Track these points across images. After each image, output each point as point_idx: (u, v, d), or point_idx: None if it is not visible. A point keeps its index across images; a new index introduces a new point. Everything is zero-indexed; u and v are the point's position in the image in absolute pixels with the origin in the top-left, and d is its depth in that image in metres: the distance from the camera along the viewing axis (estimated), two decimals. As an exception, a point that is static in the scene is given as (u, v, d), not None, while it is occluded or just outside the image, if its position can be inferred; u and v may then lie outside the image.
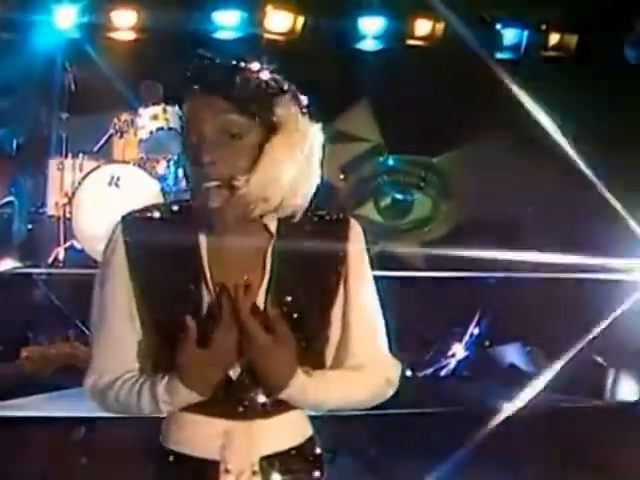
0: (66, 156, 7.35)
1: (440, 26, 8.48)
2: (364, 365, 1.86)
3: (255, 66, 1.77)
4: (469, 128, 8.06)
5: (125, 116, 7.57)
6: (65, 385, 4.25)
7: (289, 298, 1.79)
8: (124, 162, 7.40)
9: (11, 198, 7.40)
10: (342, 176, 8.81)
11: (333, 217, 1.87)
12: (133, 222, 1.83)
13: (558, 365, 5.97)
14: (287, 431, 1.85)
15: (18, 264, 6.87)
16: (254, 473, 1.81)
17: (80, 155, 7.35)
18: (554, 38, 8.75)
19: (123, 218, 1.84)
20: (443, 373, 5.70)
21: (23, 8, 7.65)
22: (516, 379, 5.84)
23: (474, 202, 8.64)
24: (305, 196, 1.81)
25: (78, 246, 7.06)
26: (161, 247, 1.80)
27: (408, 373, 5.14)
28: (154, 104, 7.42)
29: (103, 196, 6.99)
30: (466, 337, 6.02)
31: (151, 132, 7.32)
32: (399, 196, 8.90)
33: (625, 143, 7.85)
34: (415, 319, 5.44)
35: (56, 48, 7.51)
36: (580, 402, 5.40)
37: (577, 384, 5.55)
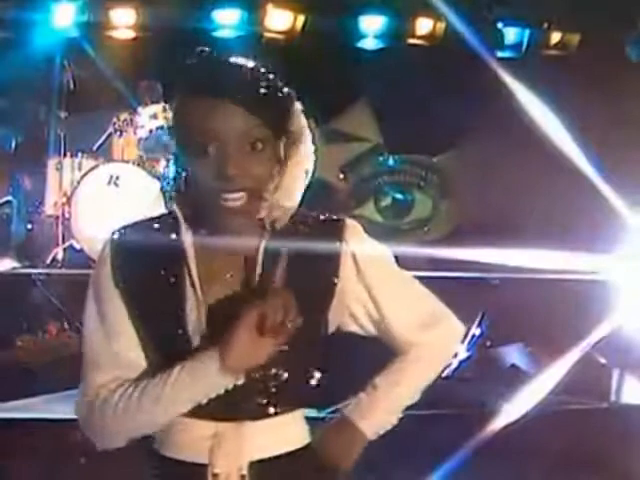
0: (65, 155, 7.34)
1: (441, 25, 8.47)
2: (417, 343, 1.88)
3: (264, 68, 1.72)
4: (469, 127, 8.05)
5: (124, 115, 7.56)
6: (66, 386, 4.23)
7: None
8: (123, 161, 7.38)
9: (9, 198, 7.39)
10: (342, 176, 8.80)
11: (327, 218, 1.83)
12: (120, 238, 1.78)
13: (559, 366, 5.96)
14: (280, 435, 1.79)
15: (17, 264, 6.86)
16: (242, 478, 1.75)
17: (79, 154, 7.34)
18: (556, 37, 8.73)
19: (111, 234, 1.79)
20: (444, 374, 5.68)
21: (21, 7, 7.64)
22: (517, 380, 5.82)
23: (474, 202, 8.62)
24: (298, 197, 1.78)
25: (77, 246, 7.04)
26: (148, 257, 1.76)
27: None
28: (153, 103, 7.41)
29: (102, 195, 6.98)
30: (467, 338, 5.99)
31: (151, 131, 7.31)
32: (399, 196, 8.89)
33: (625, 141, 7.83)
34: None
35: (55, 47, 7.49)
36: (582, 404, 5.37)
37: (579, 385, 5.52)
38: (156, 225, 1.80)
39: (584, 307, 6.00)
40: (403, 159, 8.92)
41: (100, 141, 7.68)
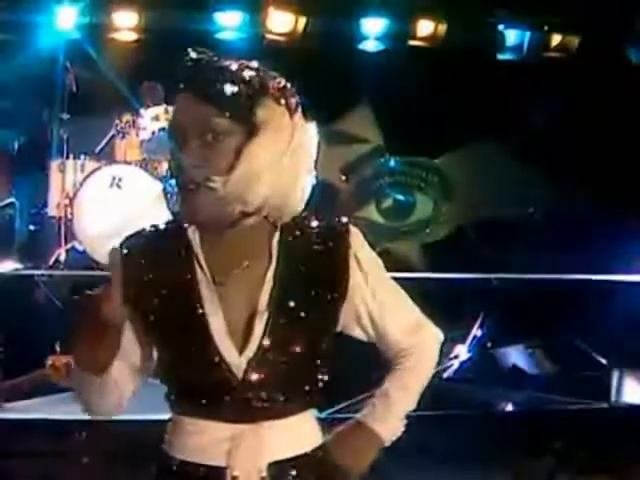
0: (67, 157, 7.34)
1: (442, 27, 8.48)
2: (409, 348, 1.91)
3: (236, 65, 1.73)
4: (470, 129, 8.06)
5: (127, 117, 7.57)
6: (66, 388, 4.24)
7: (292, 303, 1.76)
8: (126, 163, 7.39)
9: (12, 199, 7.40)
10: (343, 177, 8.81)
11: (332, 221, 1.84)
12: (128, 247, 1.80)
13: (559, 366, 5.97)
14: (296, 435, 1.79)
15: (19, 265, 6.87)
16: (262, 479, 1.74)
17: (81, 156, 7.34)
18: (556, 39, 8.74)
19: (120, 245, 1.80)
20: (446, 375, 5.69)
21: (25, 9, 7.66)
22: (519, 381, 5.83)
23: (475, 203, 8.64)
24: (297, 197, 1.76)
25: (79, 247, 7.04)
26: (158, 260, 1.79)
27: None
28: (155, 105, 7.42)
29: (105, 197, 6.97)
30: (469, 339, 6.00)
31: (153, 133, 7.32)
32: (400, 197, 8.90)
33: (626, 144, 7.85)
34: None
35: (57, 49, 7.50)
36: (582, 403, 5.39)
37: (579, 385, 5.54)
38: (163, 232, 1.83)
39: (584, 307, 6.02)
40: (404, 160, 8.93)
41: (103, 143, 7.69)
